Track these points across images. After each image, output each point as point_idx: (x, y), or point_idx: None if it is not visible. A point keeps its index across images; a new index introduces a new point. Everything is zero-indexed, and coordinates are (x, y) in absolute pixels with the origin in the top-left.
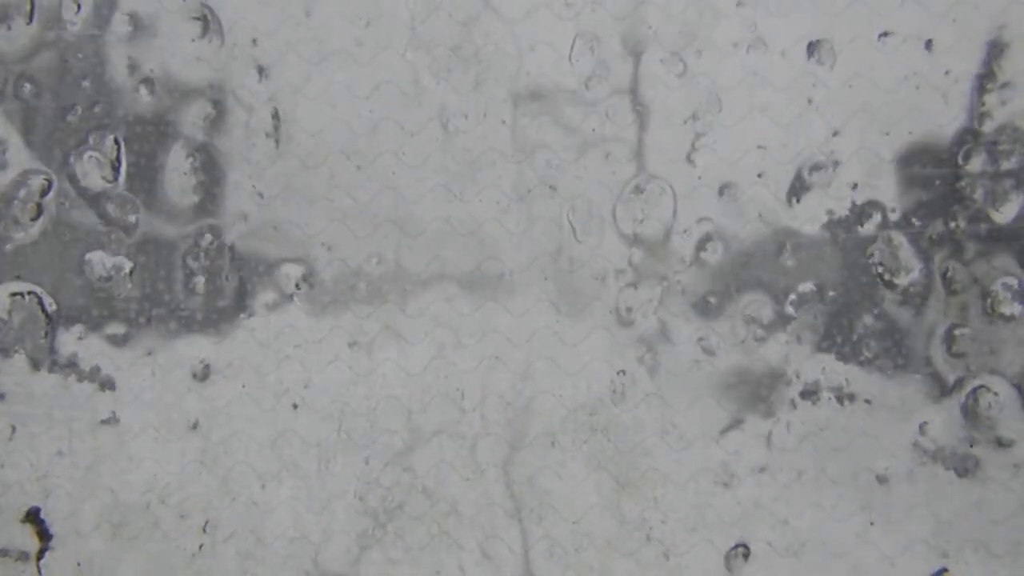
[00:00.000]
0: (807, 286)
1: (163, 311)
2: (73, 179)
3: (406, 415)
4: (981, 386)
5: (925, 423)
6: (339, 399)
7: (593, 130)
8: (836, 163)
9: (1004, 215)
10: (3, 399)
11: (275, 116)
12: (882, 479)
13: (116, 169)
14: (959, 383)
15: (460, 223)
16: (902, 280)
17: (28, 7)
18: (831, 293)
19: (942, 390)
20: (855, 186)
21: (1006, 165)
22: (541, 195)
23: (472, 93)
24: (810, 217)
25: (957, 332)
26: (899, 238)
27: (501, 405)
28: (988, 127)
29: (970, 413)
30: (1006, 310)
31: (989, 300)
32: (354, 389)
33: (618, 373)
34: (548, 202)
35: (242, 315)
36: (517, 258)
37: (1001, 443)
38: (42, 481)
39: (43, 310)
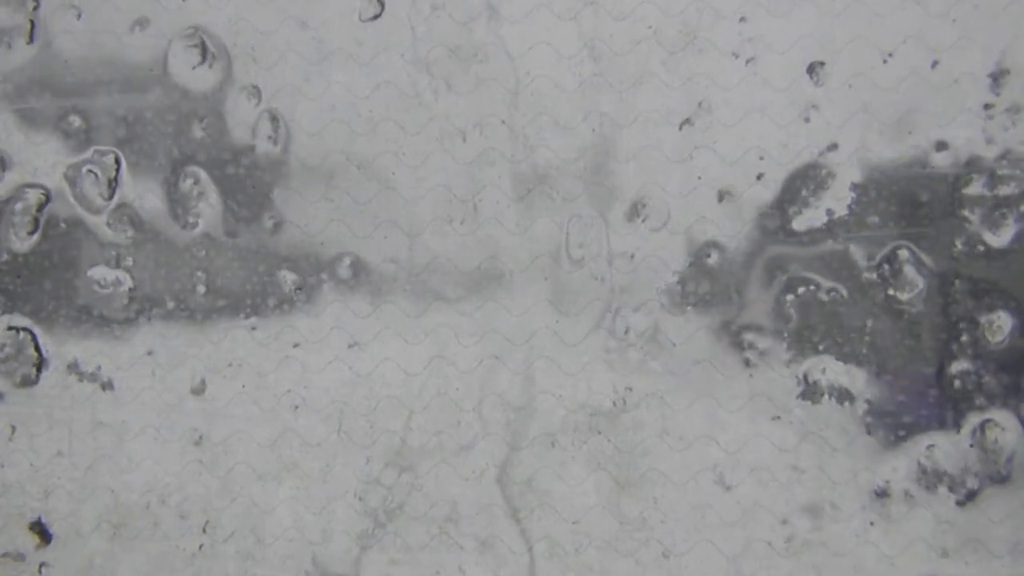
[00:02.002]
0: (807, 286)
1: (163, 311)
2: (72, 188)
3: (406, 415)
4: (989, 420)
5: (932, 446)
6: (339, 399)
7: (593, 130)
8: (836, 164)
9: (1000, 239)
10: (3, 399)
11: (274, 120)
12: (881, 492)
13: (113, 188)
14: (965, 409)
15: (460, 223)
16: (905, 296)
17: (28, 27)
18: (832, 293)
19: (946, 410)
20: (854, 186)
21: (1005, 191)
22: (541, 195)
23: (472, 94)
24: (810, 217)
25: (955, 367)
26: (904, 253)
27: (501, 405)
28: (991, 152)
29: (976, 444)
30: (998, 338)
31: (982, 330)
32: (354, 389)
33: (626, 389)
34: (548, 202)
35: (241, 315)
36: (517, 258)
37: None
38: (42, 481)
39: (36, 348)
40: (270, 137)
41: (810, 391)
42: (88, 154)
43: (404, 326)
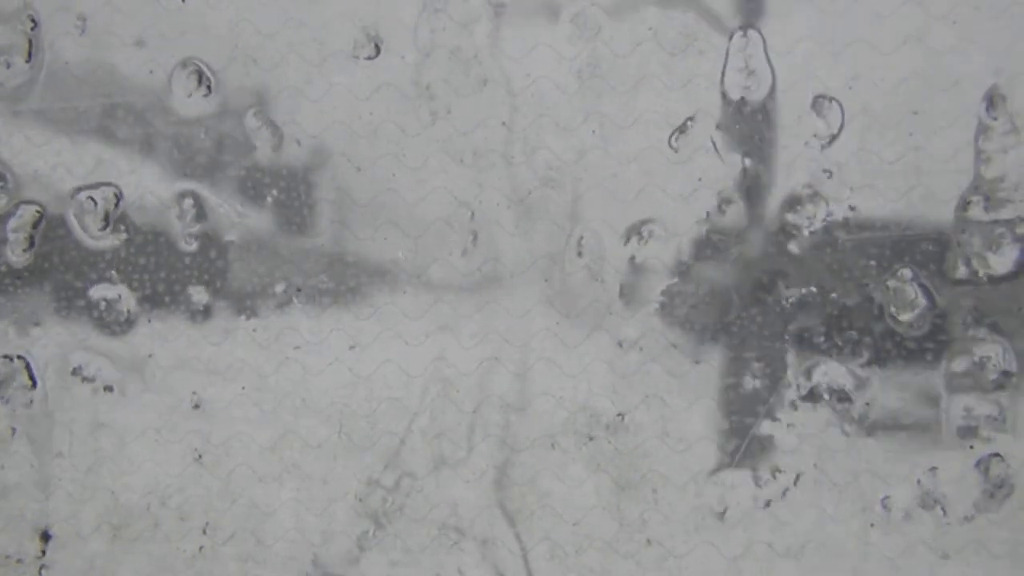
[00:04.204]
0: (808, 288)
1: (164, 313)
2: (72, 211)
3: (406, 417)
4: (996, 454)
5: (935, 467)
6: (339, 401)
7: (593, 132)
8: (836, 165)
9: (1002, 263)
10: (4, 401)
11: (274, 124)
12: (885, 505)
13: (108, 220)
14: (970, 436)
15: (460, 225)
16: (906, 316)
17: (26, 46)
18: (832, 295)
19: (948, 436)
20: (854, 188)
21: (1004, 214)
22: (541, 197)
23: (472, 96)
24: (809, 219)
25: (960, 398)
26: (905, 273)
27: (501, 407)
28: (989, 174)
29: (981, 472)
30: (994, 374)
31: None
32: (354, 391)
33: (627, 390)
34: (548, 204)
35: (242, 317)
36: (517, 260)
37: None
38: (42, 483)
39: (30, 376)
40: (270, 140)
41: (810, 393)
42: (89, 180)
43: (404, 328)
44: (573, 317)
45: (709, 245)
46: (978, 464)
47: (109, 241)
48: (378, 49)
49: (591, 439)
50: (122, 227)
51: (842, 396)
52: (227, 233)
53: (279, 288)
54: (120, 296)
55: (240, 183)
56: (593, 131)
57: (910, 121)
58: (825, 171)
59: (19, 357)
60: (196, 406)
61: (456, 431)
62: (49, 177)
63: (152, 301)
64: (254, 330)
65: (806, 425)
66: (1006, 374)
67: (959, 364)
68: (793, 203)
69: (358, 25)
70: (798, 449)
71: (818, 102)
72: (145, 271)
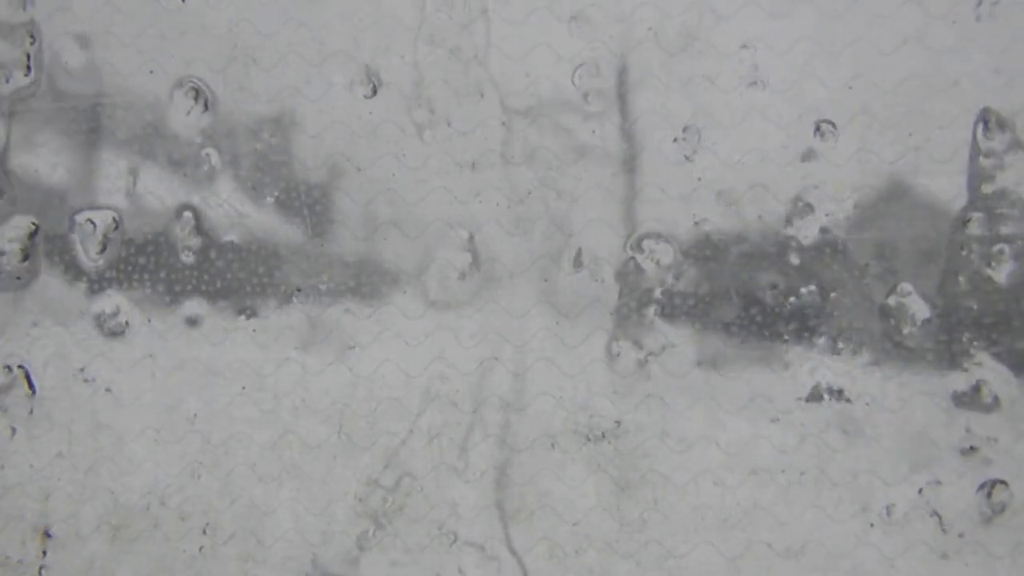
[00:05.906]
0: (807, 288)
1: (163, 313)
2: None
3: (406, 417)
4: (999, 481)
5: (938, 481)
6: (339, 401)
7: (593, 132)
8: (836, 165)
9: (1000, 275)
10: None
11: (273, 125)
12: (889, 509)
13: (105, 245)
14: (968, 452)
15: (460, 225)
16: (908, 330)
17: (25, 60)
18: (832, 295)
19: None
20: (854, 188)
21: (1004, 230)
22: (541, 197)
23: (471, 96)
24: (809, 218)
25: (961, 414)
26: (906, 287)
27: (501, 407)
28: (988, 190)
29: (983, 496)
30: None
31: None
32: (354, 391)
33: (626, 390)
34: (548, 204)
35: (242, 317)
36: (517, 260)
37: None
38: (42, 483)
39: (29, 384)
40: (269, 141)
41: (810, 393)
42: (89, 179)
43: (404, 328)
44: (572, 317)
45: (709, 245)
46: (981, 487)
47: (107, 259)
48: (375, 90)
49: (590, 440)
50: (118, 235)
51: (842, 396)
52: (227, 233)
53: (279, 288)
54: (119, 307)
55: (240, 183)
56: (593, 131)
57: (910, 121)
58: (816, 187)
59: (19, 367)
60: (195, 408)
61: (456, 431)
62: (49, 178)
63: (151, 301)
64: (254, 330)
65: (806, 425)
66: (998, 397)
67: (959, 382)
68: (791, 215)
69: (359, 62)
70: (798, 449)
71: (819, 125)
72: (145, 271)
